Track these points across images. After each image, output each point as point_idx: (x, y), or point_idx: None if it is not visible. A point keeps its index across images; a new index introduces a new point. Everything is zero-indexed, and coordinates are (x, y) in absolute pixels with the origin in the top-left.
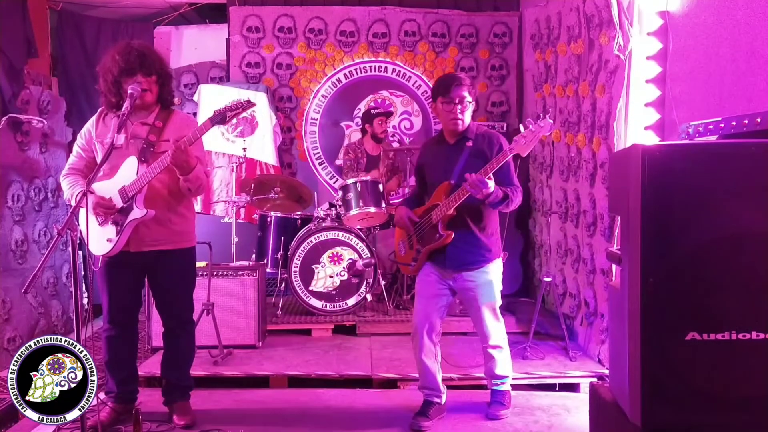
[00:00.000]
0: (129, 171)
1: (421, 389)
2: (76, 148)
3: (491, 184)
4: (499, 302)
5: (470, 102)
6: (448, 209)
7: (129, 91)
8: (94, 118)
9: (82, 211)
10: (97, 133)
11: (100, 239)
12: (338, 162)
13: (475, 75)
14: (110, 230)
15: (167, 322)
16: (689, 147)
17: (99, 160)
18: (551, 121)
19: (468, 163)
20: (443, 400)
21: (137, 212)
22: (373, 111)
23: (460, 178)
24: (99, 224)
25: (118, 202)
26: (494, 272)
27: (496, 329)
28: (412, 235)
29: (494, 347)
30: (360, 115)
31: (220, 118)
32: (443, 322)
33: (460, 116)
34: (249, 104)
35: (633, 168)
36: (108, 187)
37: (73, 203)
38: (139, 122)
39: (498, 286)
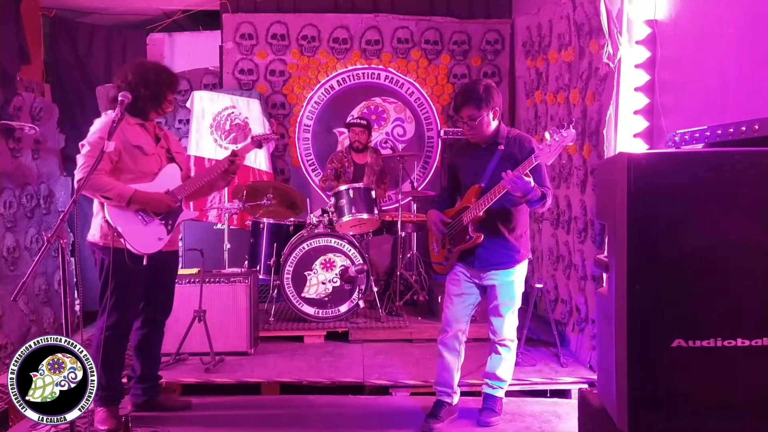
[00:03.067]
0: (172, 176)
1: (434, 387)
2: (97, 150)
3: (531, 181)
4: (518, 303)
5: (483, 117)
6: (478, 212)
7: (120, 99)
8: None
9: (120, 213)
10: (132, 137)
11: (151, 238)
12: None
13: (467, 82)
14: (160, 229)
15: (158, 317)
16: (674, 155)
17: (126, 162)
18: (574, 131)
19: (498, 166)
20: (455, 400)
21: (188, 213)
22: (351, 120)
23: (491, 182)
24: (144, 224)
25: None
26: (519, 273)
27: (510, 327)
28: (444, 236)
29: (503, 344)
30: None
31: (258, 143)
32: (471, 321)
33: (470, 132)
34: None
35: (619, 176)
36: (152, 190)
37: (124, 204)
38: (159, 133)
39: (520, 288)
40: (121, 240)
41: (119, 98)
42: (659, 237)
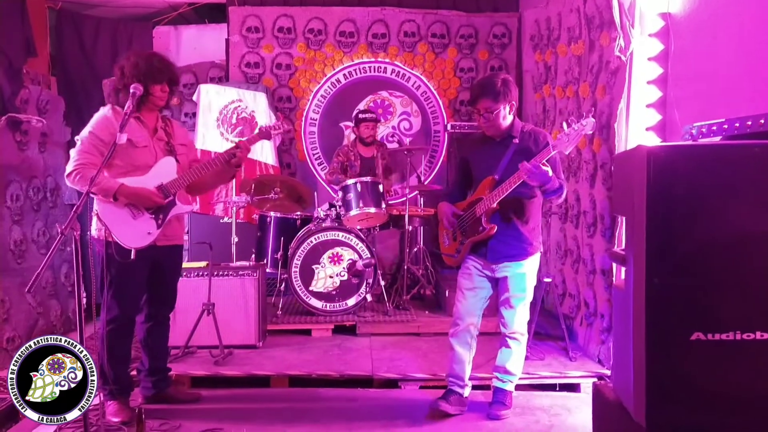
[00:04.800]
0: (167, 170)
1: (446, 378)
2: (89, 146)
3: (549, 171)
4: (530, 296)
5: (499, 110)
6: (491, 203)
7: (132, 91)
8: (112, 117)
9: (108, 207)
10: (129, 131)
11: (139, 232)
12: None
13: (474, 76)
14: (149, 224)
15: (161, 311)
16: (693, 148)
17: (117, 155)
18: (593, 120)
19: (513, 159)
20: (466, 393)
21: (181, 208)
22: (360, 116)
23: (505, 174)
24: (133, 218)
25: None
26: (531, 265)
27: (521, 319)
28: (456, 228)
29: (513, 337)
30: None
31: (267, 134)
32: (484, 315)
33: (485, 124)
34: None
35: (638, 169)
36: (143, 184)
37: (110, 198)
38: (160, 125)
39: (532, 281)
40: (111, 233)
41: (132, 90)
42: (678, 230)
